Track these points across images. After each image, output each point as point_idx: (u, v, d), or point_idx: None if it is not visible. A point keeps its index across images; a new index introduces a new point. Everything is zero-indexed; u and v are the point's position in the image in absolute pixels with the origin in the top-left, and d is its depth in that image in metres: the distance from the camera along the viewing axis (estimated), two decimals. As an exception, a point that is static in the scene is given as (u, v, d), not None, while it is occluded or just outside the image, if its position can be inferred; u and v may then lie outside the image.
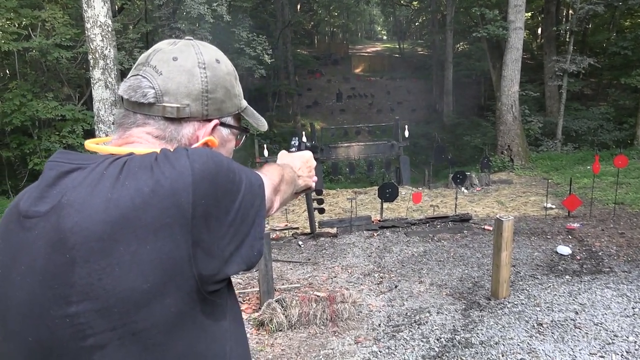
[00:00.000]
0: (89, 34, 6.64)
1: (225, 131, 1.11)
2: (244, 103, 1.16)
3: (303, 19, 38.83)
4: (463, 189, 15.48)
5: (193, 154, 0.88)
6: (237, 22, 19.46)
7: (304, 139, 2.08)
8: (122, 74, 17.42)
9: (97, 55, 6.74)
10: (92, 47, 6.74)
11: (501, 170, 18.57)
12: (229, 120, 1.11)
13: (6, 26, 13.48)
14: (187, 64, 0.99)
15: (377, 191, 10.39)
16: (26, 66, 14.74)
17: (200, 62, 1.01)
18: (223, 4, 14.65)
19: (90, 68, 6.88)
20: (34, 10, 13.53)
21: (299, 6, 38.85)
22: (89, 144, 1.01)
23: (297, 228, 9.14)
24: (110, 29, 6.80)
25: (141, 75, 0.98)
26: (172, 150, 0.90)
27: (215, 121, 1.06)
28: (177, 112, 0.98)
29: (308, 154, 1.44)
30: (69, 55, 12.68)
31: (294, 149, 1.51)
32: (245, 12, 21.79)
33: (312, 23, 44.58)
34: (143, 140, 0.98)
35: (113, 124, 7.26)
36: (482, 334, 5.08)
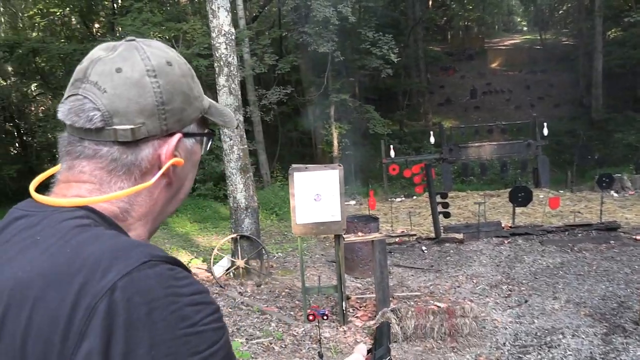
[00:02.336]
0: (214, 42, 6.92)
1: (189, 142, 0.92)
2: (207, 102, 0.96)
3: (435, 14, 37.73)
4: (613, 192, 13.89)
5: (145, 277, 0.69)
6: (363, 22, 19.40)
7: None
8: (256, 80, 18.25)
9: (221, 63, 7.01)
10: (217, 55, 7.03)
11: (660, 171, 16.36)
12: (193, 127, 0.92)
13: (156, 39, 14.73)
14: (134, 74, 0.82)
15: (508, 194, 9.64)
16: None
17: (149, 69, 0.83)
18: (348, 5, 14.64)
19: (216, 75, 7.16)
20: (177, 23, 14.65)
21: (430, 2, 37.83)
22: (34, 188, 0.87)
23: (415, 235, 8.76)
24: (233, 37, 7.04)
25: (82, 95, 0.81)
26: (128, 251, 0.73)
27: (178, 135, 0.87)
28: (132, 134, 0.81)
29: None
30: (206, 63, 13.50)
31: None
32: (374, 12, 21.65)
33: (445, 18, 43.14)
34: (96, 180, 0.83)
35: (237, 127, 7.52)
36: (626, 366, 4.39)
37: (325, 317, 4.97)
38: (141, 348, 0.66)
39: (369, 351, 1.13)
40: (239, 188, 7.37)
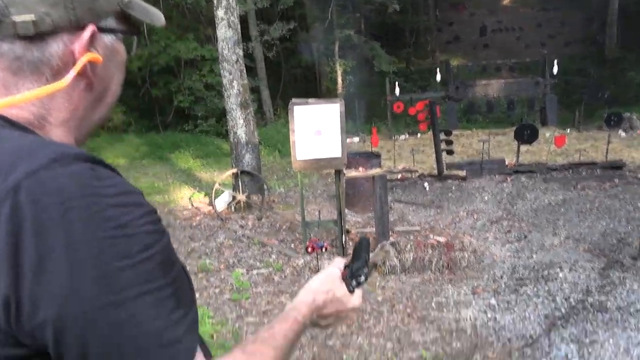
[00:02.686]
0: (212, -28, 6.65)
1: (108, 39, 0.80)
2: None
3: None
4: (621, 131, 13.70)
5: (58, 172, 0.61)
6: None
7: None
8: (258, 15, 17.67)
9: (220, -5, 6.75)
10: (214, -15, 6.76)
11: (670, 111, 16.06)
12: (111, 22, 0.79)
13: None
14: None
15: (514, 132, 9.51)
16: (171, 9, 15.54)
17: None
18: None
19: (214, 8, 6.91)
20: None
21: None
22: None
23: (417, 171, 8.70)
24: (230, -34, 6.75)
25: None
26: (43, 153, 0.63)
27: (91, 27, 0.75)
28: (35, 26, 0.69)
29: (339, 292, 1.04)
30: (207, -4, 13.09)
31: (361, 279, 1.07)
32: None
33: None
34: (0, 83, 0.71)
35: (236, 62, 7.33)
36: (621, 299, 4.42)
37: (324, 250, 5.00)
38: (55, 251, 0.57)
39: (346, 266, 1.08)
40: (239, 123, 7.28)
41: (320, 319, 1.03)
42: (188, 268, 4.07)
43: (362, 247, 1.11)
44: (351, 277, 1.05)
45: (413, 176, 9.81)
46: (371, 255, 1.12)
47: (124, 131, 15.70)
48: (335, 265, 1.08)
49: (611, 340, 3.76)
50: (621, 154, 11.02)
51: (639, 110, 15.02)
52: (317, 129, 5.46)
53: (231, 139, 7.39)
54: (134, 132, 15.40)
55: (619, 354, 3.55)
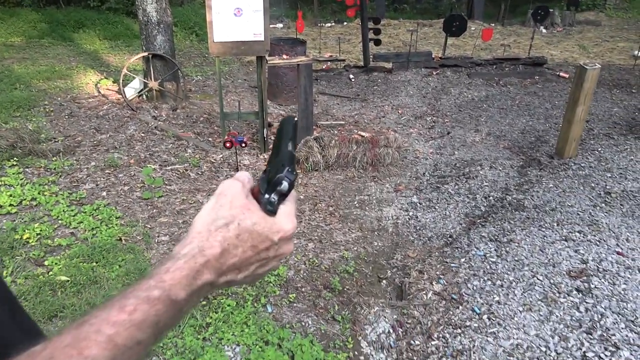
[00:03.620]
0: None
1: None
2: None
3: None
4: (542, 28, 13.80)
5: None
6: None
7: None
8: None
9: None
10: None
11: (590, 8, 16.33)
12: None
13: None
14: None
15: (442, 24, 9.21)
16: None
17: None
18: None
19: None
20: None
21: None
22: None
23: (344, 60, 8.31)
24: None
25: None
26: None
27: None
28: None
29: (249, 219, 0.66)
30: None
31: (283, 187, 0.68)
32: None
33: None
34: None
35: None
36: (538, 197, 4.50)
37: (243, 145, 4.66)
38: None
39: (264, 172, 0.70)
40: (149, -1, 6.42)
41: (228, 275, 0.65)
42: (94, 163, 3.60)
43: (284, 135, 0.71)
44: (269, 186, 0.67)
45: (339, 67, 9.41)
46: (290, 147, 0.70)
47: (17, 4, 13.80)
48: (238, 178, 0.70)
49: (528, 239, 3.82)
50: (541, 50, 11.12)
51: (560, 7, 15.09)
52: (236, 7, 4.87)
53: (140, 17, 6.55)
54: (30, 7, 13.57)
55: (534, 253, 3.62)
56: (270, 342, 2.78)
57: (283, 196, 0.68)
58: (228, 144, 4.58)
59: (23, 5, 13.52)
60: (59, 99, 7.08)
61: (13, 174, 4.74)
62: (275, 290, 3.37)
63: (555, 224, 3.99)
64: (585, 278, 3.26)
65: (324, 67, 9.41)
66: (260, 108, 5.49)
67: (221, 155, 5.48)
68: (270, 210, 0.67)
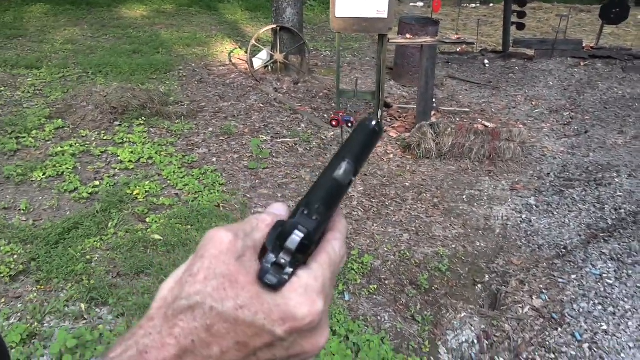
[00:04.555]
0: None
1: None
2: None
3: None
4: None
5: None
6: None
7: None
8: None
9: None
10: None
11: None
12: None
13: None
14: None
15: (600, 9, 8.22)
16: None
17: None
18: None
19: None
20: None
21: None
22: None
23: (473, 43, 7.75)
24: None
25: None
26: None
27: None
28: None
29: (232, 300, 0.39)
30: None
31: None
32: None
33: None
34: None
35: None
36: (682, 216, 3.84)
37: (349, 125, 4.53)
38: None
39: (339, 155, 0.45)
40: (282, -29, 6.47)
41: None
42: (211, 129, 3.71)
43: (345, 150, 0.45)
44: (277, 240, 0.41)
45: (474, 50, 8.85)
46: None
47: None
48: (243, 227, 0.44)
49: (658, 264, 3.27)
50: None
51: None
52: (360, -17, 4.71)
53: (272, -10, 6.66)
54: (185, -24, 14.53)
55: (663, 282, 3.09)
56: (338, 332, 2.66)
57: (300, 256, 0.41)
58: (334, 123, 4.48)
59: (180, -25, 14.47)
60: (193, 65, 7.47)
61: (139, 132, 5.08)
62: (357, 278, 3.23)
63: (698, 251, 3.37)
64: None
65: (458, 49, 8.90)
66: (377, 88, 5.30)
67: (332, 133, 5.41)
68: (272, 284, 0.40)
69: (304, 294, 0.40)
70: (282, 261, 0.40)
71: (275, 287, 0.39)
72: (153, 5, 11.64)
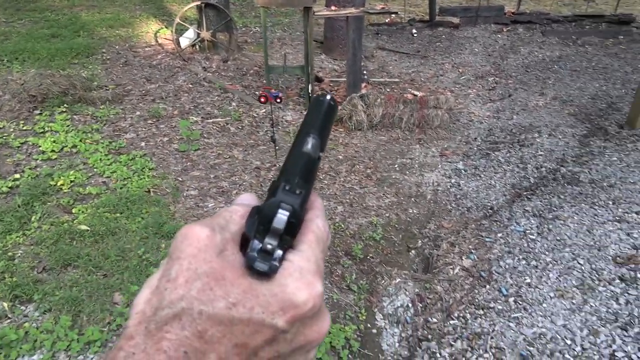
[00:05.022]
0: None
1: None
2: None
3: None
4: (637, -18, 12.45)
5: None
6: None
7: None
8: None
9: None
10: None
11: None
12: None
13: None
14: None
15: (518, -25, 8.48)
16: None
17: None
18: None
19: None
20: None
21: None
22: None
23: (397, 12, 7.83)
24: None
25: None
26: None
27: None
28: None
29: (223, 297, 0.35)
30: None
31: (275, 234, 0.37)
32: None
33: None
34: None
35: None
36: (597, 171, 4.07)
37: (278, 101, 4.50)
38: None
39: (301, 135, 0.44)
40: (202, -55, 6.26)
41: None
42: (138, 113, 3.56)
43: (307, 125, 0.44)
44: (259, 225, 0.38)
45: (403, 21, 8.95)
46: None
47: (92, -48, 14.10)
48: (217, 221, 0.39)
49: (575, 217, 3.47)
50: (633, 7, 10.05)
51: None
52: (281, -43, 4.63)
53: (193, -34, 6.44)
54: (103, -46, 13.83)
55: (580, 233, 3.28)
56: (274, 308, 2.68)
57: (287, 237, 0.38)
58: (263, 99, 4.43)
59: (97, -47, 13.75)
60: (117, 47, 7.17)
61: (61, 120, 4.85)
62: (292, 253, 3.26)
63: (610, 202, 3.59)
64: (633, 266, 2.92)
65: (387, 20, 8.97)
66: (305, 62, 5.28)
67: (264, 110, 5.36)
68: (262, 270, 0.36)
69: (300, 277, 0.36)
70: (269, 246, 0.36)
71: (267, 275, 0.36)
72: (70, -15, 11.03)
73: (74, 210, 3.49)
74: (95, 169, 4.07)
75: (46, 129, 4.64)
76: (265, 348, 0.35)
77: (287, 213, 0.37)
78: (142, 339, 0.34)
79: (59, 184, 3.79)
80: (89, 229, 3.23)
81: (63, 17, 8.52)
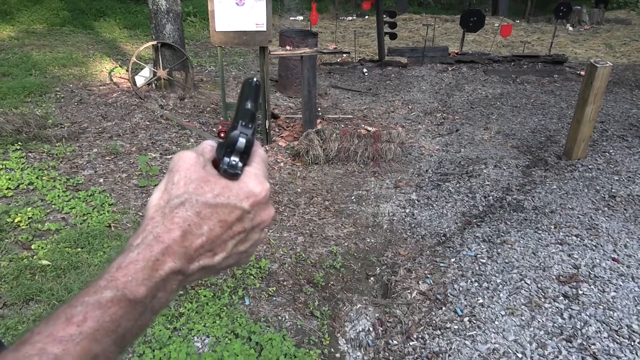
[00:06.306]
0: None
1: None
2: None
3: None
4: (568, 25, 13.44)
5: None
6: None
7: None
8: None
9: None
10: None
11: (621, 6, 15.86)
12: None
13: None
14: None
15: (460, 18, 9.03)
16: None
17: None
18: None
19: None
20: None
21: None
22: None
23: (348, 53, 8.19)
24: None
25: None
26: None
27: None
28: None
29: (210, 191, 0.56)
30: None
31: (240, 142, 0.57)
32: None
33: None
34: None
35: None
36: (539, 198, 4.36)
37: (238, 136, 4.62)
38: None
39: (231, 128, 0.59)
40: (159, -13, 6.42)
41: (201, 260, 0.55)
42: (95, 150, 3.62)
43: (244, 95, 0.63)
44: (226, 149, 0.56)
45: (353, 60, 9.32)
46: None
47: (42, -8, 14.05)
48: (195, 149, 0.60)
49: (522, 241, 3.70)
50: (565, 49, 10.83)
51: (589, 4, 14.67)
52: (238, -2, 4.84)
53: (150, 6, 6.56)
54: (54, -6, 13.80)
55: (526, 255, 3.50)
56: (240, 335, 2.74)
57: (245, 156, 0.57)
58: (222, 134, 4.54)
59: (48, -7, 13.71)
60: (71, 85, 7.16)
61: (15, 157, 4.80)
62: (256, 282, 3.33)
63: (552, 227, 3.86)
64: (574, 284, 3.14)
65: (339, 59, 9.33)
66: (262, 100, 5.44)
67: (222, 146, 5.45)
68: (232, 173, 0.56)
69: (255, 178, 0.57)
70: (234, 162, 0.56)
71: (235, 176, 0.56)
72: (21, 25, 10.94)
73: (33, 246, 3.46)
74: (53, 205, 4.05)
75: (0, 166, 4.58)
76: (236, 224, 0.56)
77: (245, 139, 0.57)
78: (161, 218, 0.54)
79: (16, 220, 3.75)
80: (50, 263, 3.21)
81: (13, 55, 8.45)
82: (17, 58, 8.25)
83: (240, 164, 0.56)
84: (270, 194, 0.59)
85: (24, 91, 6.59)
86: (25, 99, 6.44)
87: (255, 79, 0.66)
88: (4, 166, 4.62)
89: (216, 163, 0.58)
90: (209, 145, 0.60)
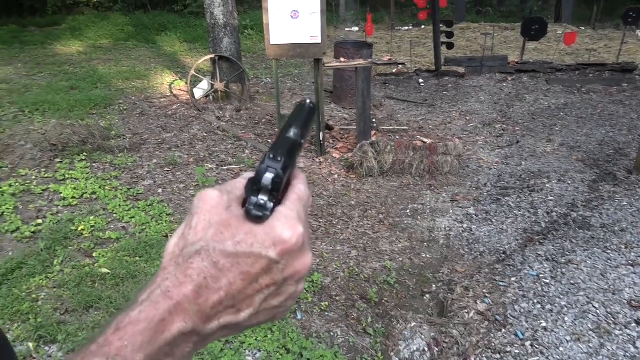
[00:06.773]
0: None
1: None
2: None
3: None
4: (638, 32, 12.78)
5: None
6: None
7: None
8: None
9: None
10: None
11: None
12: None
13: None
14: None
15: (521, 26, 8.75)
16: None
17: None
18: None
19: None
20: None
21: None
22: None
23: (404, 64, 8.09)
24: None
25: None
26: None
27: None
28: None
29: (231, 238, 0.48)
30: None
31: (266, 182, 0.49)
32: None
33: None
34: None
35: None
36: (608, 215, 4.12)
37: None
38: None
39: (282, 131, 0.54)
40: (217, 2, 6.57)
41: (222, 317, 0.48)
42: (155, 161, 3.75)
43: (291, 121, 0.54)
44: (253, 186, 0.49)
45: (409, 71, 9.21)
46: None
47: (109, 9, 14.74)
48: (223, 188, 0.52)
49: (589, 261, 3.50)
50: (635, 56, 10.29)
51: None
52: (293, 9, 4.86)
53: (208, 20, 6.73)
54: (119, 11, 14.45)
55: (594, 277, 3.30)
56: (292, 350, 2.71)
57: (275, 194, 0.49)
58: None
59: (114, 10, 14.38)
60: (134, 98, 7.42)
61: (80, 168, 4.99)
62: (308, 297, 3.29)
63: (623, 247, 3.63)
64: (648, 308, 2.93)
65: (394, 70, 9.24)
66: (317, 111, 5.44)
67: (277, 158, 5.48)
68: (256, 215, 0.48)
69: (286, 221, 0.48)
70: (262, 201, 0.48)
71: (261, 219, 0.48)
72: (89, 40, 11.50)
73: (94, 254, 3.57)
74: (114, 215, 4.17)
75: (67, 176, 4.78)
76: (264, 276, 0.47)
77: (273, 174, 0.48)
78: (174, 269, 0.47)
79: (79, 228, 3.88)
80: (109, 272, 3.29)
81: (81, 70, 8.86)
82: (85, 72, 8.65)
83: (270, 204, 0.48)
84: (306, 239, 0.49)
85: (90, 103, 6.88)
86: (91, 111, 6.72)
87: (308, 101, 0.58)
88: (70, 176, 4.81)
89: (246, 202, 0.50)
90: (242, 180, 0.52)
